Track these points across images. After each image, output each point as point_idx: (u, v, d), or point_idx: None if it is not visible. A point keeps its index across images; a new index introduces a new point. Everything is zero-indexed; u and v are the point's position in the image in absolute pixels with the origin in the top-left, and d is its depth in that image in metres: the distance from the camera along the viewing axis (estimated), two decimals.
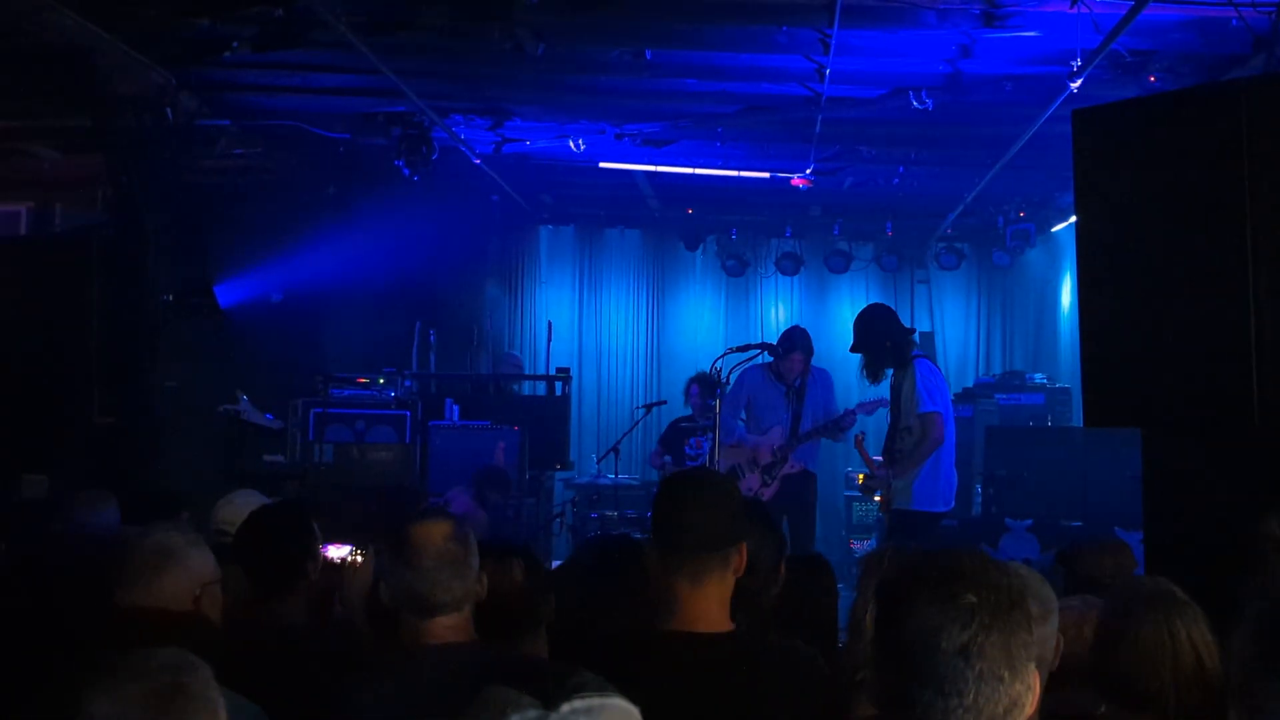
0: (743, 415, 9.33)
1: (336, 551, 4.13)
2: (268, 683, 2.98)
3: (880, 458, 8.15)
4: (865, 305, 8.89)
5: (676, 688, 2.88)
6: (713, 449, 9.42)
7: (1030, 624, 2.05)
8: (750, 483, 8.90)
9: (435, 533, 3.14)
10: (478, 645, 3.15)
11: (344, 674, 3.09)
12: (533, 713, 1.63)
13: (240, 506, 4.93)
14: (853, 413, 8.37)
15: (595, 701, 1.66)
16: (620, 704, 1.70)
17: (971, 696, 1.97)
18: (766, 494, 8.88)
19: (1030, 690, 2.03)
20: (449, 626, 3.11)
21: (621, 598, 3.90)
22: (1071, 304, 13.57)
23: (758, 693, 2.97)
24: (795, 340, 9.05)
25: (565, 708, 1.64)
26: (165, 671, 1.99)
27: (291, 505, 4.47)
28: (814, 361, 9.33)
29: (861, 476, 11.92)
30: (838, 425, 8.52)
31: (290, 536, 3.91)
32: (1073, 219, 12.40)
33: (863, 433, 8.49)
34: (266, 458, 10.03)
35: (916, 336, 8.76)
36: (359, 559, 4.12)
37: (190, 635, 3.07)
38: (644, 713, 2.73)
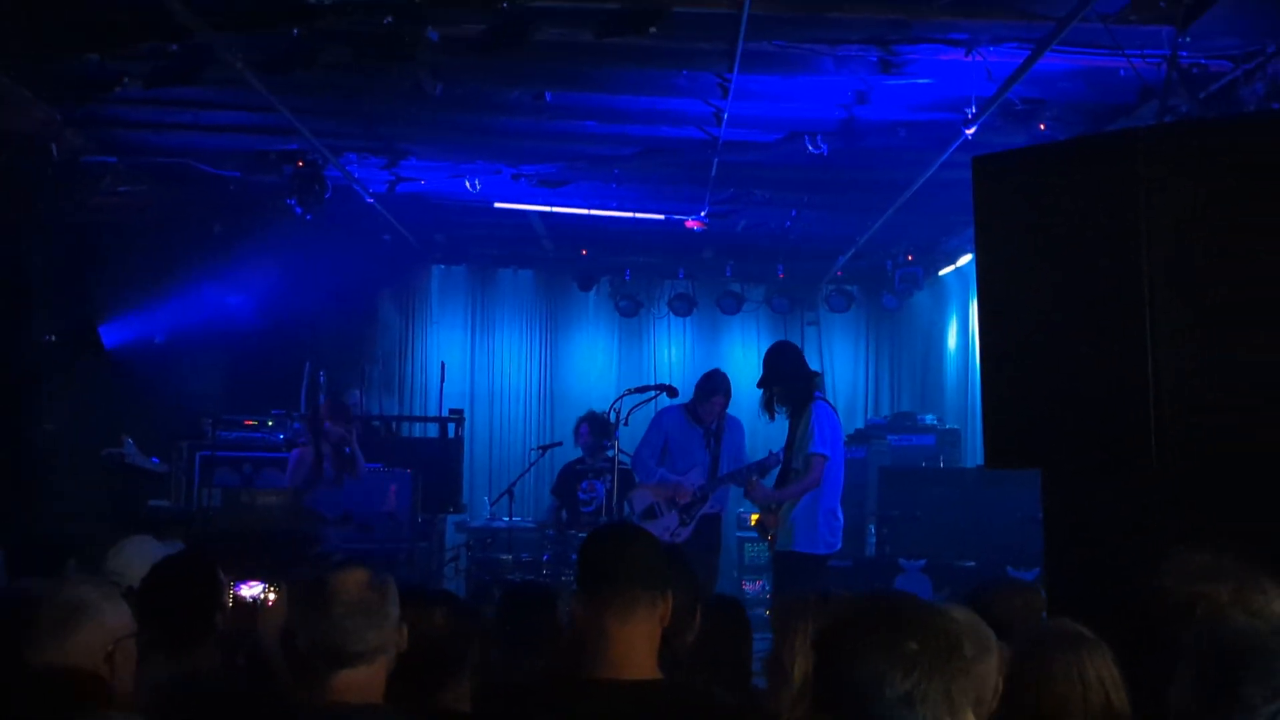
0: (658, 456, 9.23)
1: (249, 590, 4.02)
2: None
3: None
4: (764, 344, 8.98)
5: None
6: (609, 491, 9.41)
7: (968, 668, 2.10)
8: (668, 522, 8.82)
9: (350, 580, 3.04)
10: (384, 709, 3.03)
11: None
12: None
13: (131, 555, 4.80)
14: (777, 455, 8.39)
15: None
16: None
17: None
18: (684, 534, 8.81)
19: None
20: (358, 682, 2.98)
21: (538, 645, 3.89)
22: (958, 346, 13.82)
23: None
24: (718, 384, 8.97)
25: None
26: None
27: (196, 554, 4.36)
28: None
29: (755, 517, 12.00)
30: (761, 466, 8.52)
31: (198, 587, 3.81)
32: (959, 263, 12.78)
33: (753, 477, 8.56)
34: (152, 502, 9.80)
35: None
36: (271, 597, 4.02)
37: (104, 694, 2.98)
38: None
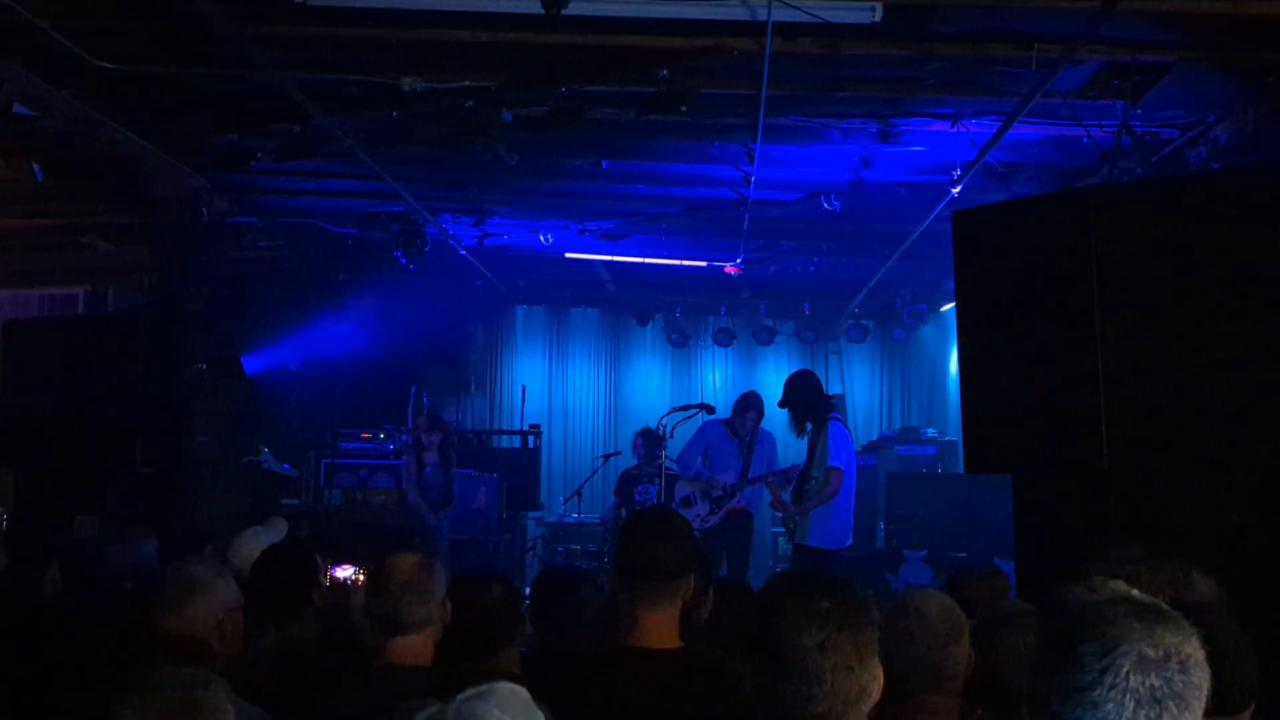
0: (699, 459, 9.33)
1: (342, 572, 4.09)
2: (278, 694, 2.94)
3: (789, 497, 8.30)
4: (793, 371, 9.01)
5: (634, 695, 2.90)
6: (659, 492, 9.47)
7: (874, 627, 2.19)
8: (700, 510, 9.04)
9: (404, 562, 3.14)
10: (428, 671, 3.09)
11: (343, 684, 3.05)
12: (434, 708, 1.63)
13: (248, 553, 4.85)
14: (798, 466, 8.49)
15: (484, 688, 1.66)
16: (508, 685, 1.68)
17: (829, 684, 2.11)
18: (712, 521, 9.04)
19: (875, 680, 2.17)
20: (410, 648, 3.06)
21: (579, 617, 3.90)
22: (957, 371, 13.66)
23: (702, 701, 2.97)
24: (751, 402, 9.17)
25: (459, 697, 1.63)
26: (182, 687, 1.98)
27: (296, 543, 4.43)
28: None
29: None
30: (785, 475, 8.63)
31: (298, 569, 3.87)
32: None
33: (772, 480, 8.68)
34: (284, 501, 9.98)
35: (834, 401, 8.89)
36: (361, 578, 4.09)
37: (213, 654, 3.04)
38: (606, 716, 2.74)
